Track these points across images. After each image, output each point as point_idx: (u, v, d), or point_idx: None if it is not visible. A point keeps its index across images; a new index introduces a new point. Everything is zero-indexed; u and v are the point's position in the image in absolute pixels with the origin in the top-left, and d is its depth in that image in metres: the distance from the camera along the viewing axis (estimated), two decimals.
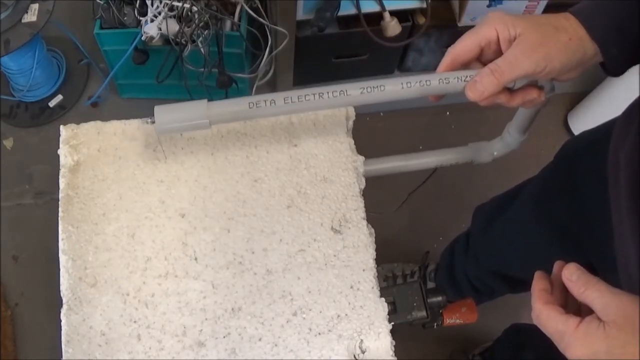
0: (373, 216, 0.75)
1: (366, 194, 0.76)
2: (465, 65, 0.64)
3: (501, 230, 1.04)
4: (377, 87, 0.64)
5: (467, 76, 0.62)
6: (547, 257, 0.60)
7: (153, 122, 0.66)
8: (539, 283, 0.55)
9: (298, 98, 0.64)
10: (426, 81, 0.63)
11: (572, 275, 0.51)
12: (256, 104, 0.64)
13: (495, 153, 0.94)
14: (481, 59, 0.63)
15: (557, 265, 0.55)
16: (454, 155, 0.94)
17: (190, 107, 0.66)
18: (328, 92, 0.64)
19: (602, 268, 0.52)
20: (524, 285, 1.15)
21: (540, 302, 0.53)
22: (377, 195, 1.42)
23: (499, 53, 0.60)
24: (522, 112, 0.85)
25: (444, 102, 1.70)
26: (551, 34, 0.58)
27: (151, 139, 0.77)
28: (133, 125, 0.78)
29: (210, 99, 0.66)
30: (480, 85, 0.60)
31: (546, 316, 0.52)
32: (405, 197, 1.29)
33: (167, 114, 0.66)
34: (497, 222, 1.05)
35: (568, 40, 0.57)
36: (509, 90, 0.63)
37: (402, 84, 0.63)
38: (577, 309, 0.53)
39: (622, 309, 0.47)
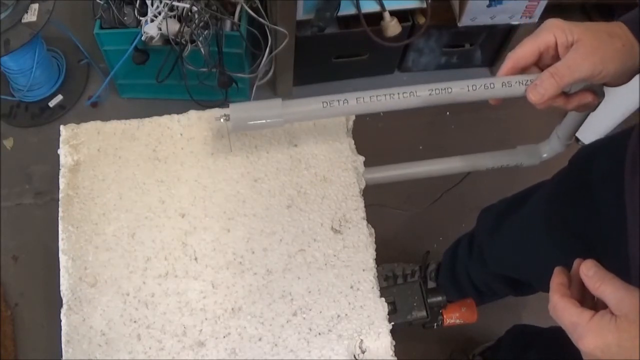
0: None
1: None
2: (524, 70, 0.66)
3: (509, 232, 1.04)
4: (445, 89, 0.66)
5: (527, 80, 0.65)
6: (556, 260, 0.60)
7: (227, 120, 0.68)
8: (557, 277, 0.57)
9: (370, 98, 0.67)
10: (490, 84, 0.66)
11: (589, 271, 0.53)
12: (330, 103, 0.67)
13: (544, 155, 0.95)
14: (539, 64, 0.66)
15: (576, 262, 0.57)
16: (503, 157, 0.95)
17: (266, 105, 0.68)
18: (399, 93, 0.67)
19: (612, 270, 0.53)
20: (528, 289, 1.14)
21: (558, 294, 0.55)
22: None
23: (556, 58, 0.63)
24: (572, 117, 0.86)
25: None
26: (606, 39, 0.60)
27: (151, 138, 0.77)
28: (133, 125, 0.78)
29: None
30: (541, 88, 0.62)
31: (562, 308, 0.53)
32: (439, 195, 1.28)
33: (243, 112, 0.68)
34: (505, 224, 1.04)
35: (622, 47, 0.60)
36: (565, 94, 0.65)
37: (468, 86, 0.66)
38: (593, 306, 0.54)
39: (635, 305, 0.48)
